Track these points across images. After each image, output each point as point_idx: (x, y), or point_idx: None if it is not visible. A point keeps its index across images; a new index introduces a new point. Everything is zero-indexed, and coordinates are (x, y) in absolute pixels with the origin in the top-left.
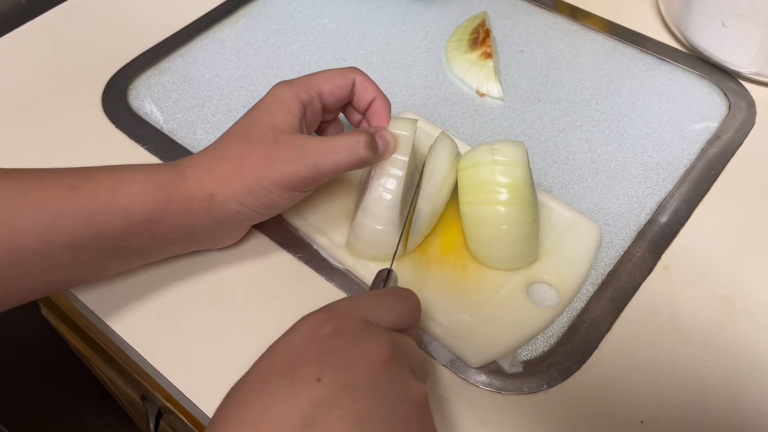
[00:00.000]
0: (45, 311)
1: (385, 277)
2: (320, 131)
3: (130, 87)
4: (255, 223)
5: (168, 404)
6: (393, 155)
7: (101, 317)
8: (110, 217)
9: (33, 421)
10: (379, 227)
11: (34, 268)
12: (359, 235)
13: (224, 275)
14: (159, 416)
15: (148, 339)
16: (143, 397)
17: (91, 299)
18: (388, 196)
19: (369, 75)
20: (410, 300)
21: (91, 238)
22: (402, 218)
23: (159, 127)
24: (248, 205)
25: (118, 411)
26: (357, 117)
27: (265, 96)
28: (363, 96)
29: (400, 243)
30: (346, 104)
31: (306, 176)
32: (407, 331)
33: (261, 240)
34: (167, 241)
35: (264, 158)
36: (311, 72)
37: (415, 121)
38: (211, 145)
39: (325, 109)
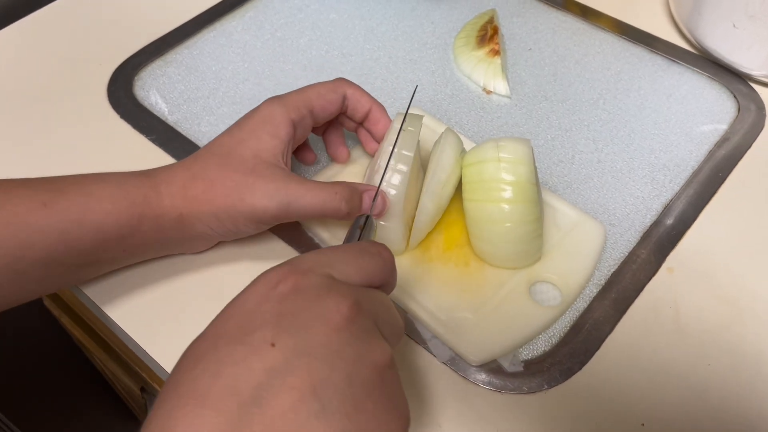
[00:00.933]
0: (47, 302)
1: (362, 224)
2: (320, 132)
3: (135, 78)
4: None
5: None
6: (398, 150)
7: (101, 306)
8: (82, 233)
9: (34, 412)
10: (382, 222)
11: (6, 282)
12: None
13: (225, 269)
14: None
15: (147, 330)
16: (143, 389)
17: (92, 289)
18: (392, 191)
19: (375, 71)
20: (381, 255)
21: (62, 254)
22: (405, 215)
23: (164, 119)
24: (214, 229)
25: (118, 403)
26: (352, 124)
27: (254, 112)
28: (357, 108)
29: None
30: (342, 115)
31: (275, 214)
32: (380, 289)
33: (264, 234)
34: (138, 252)
35: (237, 187)
36: (317, 67)
37: (421, 117)
38: (189, 159)
39: (316, 124)
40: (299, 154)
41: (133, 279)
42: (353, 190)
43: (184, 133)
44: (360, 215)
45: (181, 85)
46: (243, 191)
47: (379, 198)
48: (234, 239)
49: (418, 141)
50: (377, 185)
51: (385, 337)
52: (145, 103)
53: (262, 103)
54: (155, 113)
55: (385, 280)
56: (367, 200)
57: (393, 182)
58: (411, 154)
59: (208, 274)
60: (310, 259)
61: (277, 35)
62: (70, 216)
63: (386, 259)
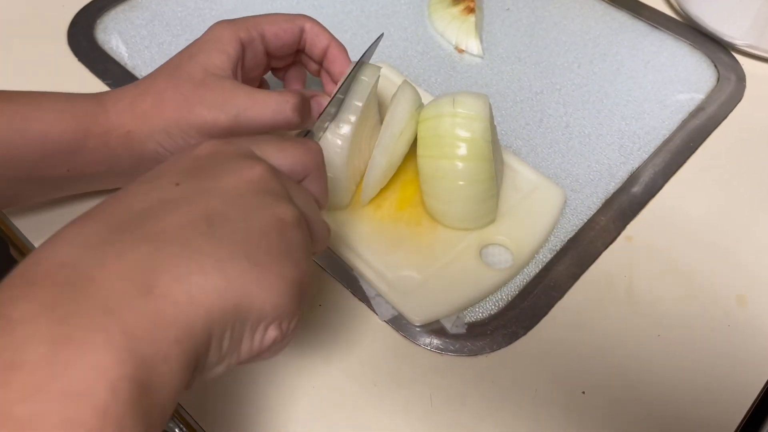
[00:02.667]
0: (14, 252)
1: (303, 136)
2: (281, 75)
3: (98, 21)
4: None
5: None
6: (348, 99)
7: (32, 242)
8: (24, 143)
9: None
10: (328, 174)
11: None
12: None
13: None
14: None
15: None
16: None
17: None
18: (338, 142)
19: (346, 24)
20: (307, 146)
21: (4, 165)
22: (351, 167)
23: (123, 64)
24: (166, 147)
25: None
26: (313, 66)
27: (203, 33)
28: (315, 44)
29: (322, 117)
30: (300, 53)
31: (225, 125)
32: (306, 180)
33: None
34: (85, 174)
35: (186, 99)
36: None
37: (378, 67)
38: (139, 80)
39: (270, 54)
40: None
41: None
42: (303, 98)
43: (141, 78)
44: (300, 131)
45: (143, 30)
46: (192, 103)
47: (323, 101)
48: None
49: (375, 93)
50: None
51: (309, 230)
52: (105, 47)
53: (213, 24)
54: (114, 58)
55: (308, 169)
56: (316, 107)
57: (339, 132)
58: (360, 104)
59: None
60: (241, 137)
61: None
62: (12, 125)
63: (311, 148)
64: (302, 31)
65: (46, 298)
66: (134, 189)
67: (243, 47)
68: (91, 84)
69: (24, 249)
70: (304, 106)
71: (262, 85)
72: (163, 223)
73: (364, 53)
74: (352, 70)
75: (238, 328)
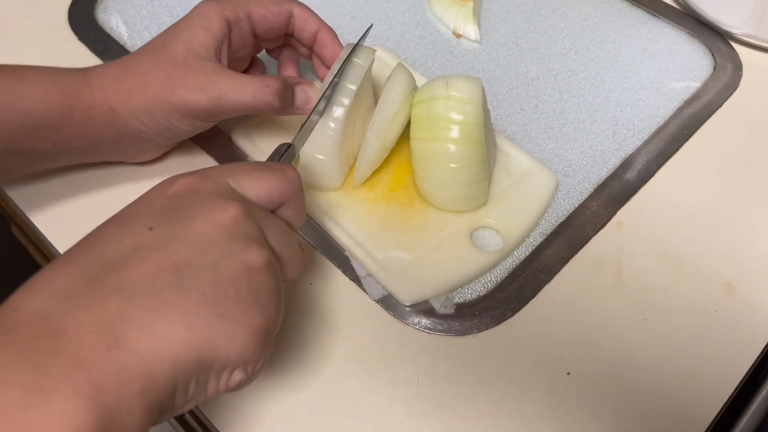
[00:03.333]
0: (15, 230)
1: (282, 152)
2: (275, 55)
3: (98, 1)
4: (168, 144)
5: None
6: (342, 82)
7: (24, 211)
8: (9, 118)
9: None
10: (320, 156)
11: None
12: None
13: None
14: None
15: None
16: None
17: (17, 191)
18: (332, 124)
19: (344, 7)
20: (284, 174)
21: None
22: (344, 149)
23: (122, 43)
24: (148, 125)
25: None
26: (304, 50)
27: (190, 11)
28: (305, 28)
29: (303, 130)
30: (289, 37)
31: (206, 107)
32: (282, 207)
33: (203, 158)
34: (71, 148)
35: (168, 79)
36: None
37: (373, 50)
38: (124, 57)
39: (258, 36)
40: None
41: (64, 185)
42: (285, 84)
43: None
44: (282, 144)
45: (144, 11)
46: (174, 83)
47: (311, 90)
48: (173, 143)
49: (369, 76)
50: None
51: (282, 264)
52: (105, 27)
53: (199, 2)
54: (114, 37)
55: (286, 197)
56: (300, 94)
57: (332, 115)
58: (354, 87)
59: (143, 186)
60: (212, 169)
61: None
62: (0, 99)
63: (289, 175)
64: (290, 15)
65: (21, 348)
66: (109, 232)
67: (229, 26)
68: (91, 63)
69: (24, 227)
70: (285, 92)
71: (255, 63)
72: (133, 273)
73: (354, 45)
74: (345, 53)
75: (204, 374)
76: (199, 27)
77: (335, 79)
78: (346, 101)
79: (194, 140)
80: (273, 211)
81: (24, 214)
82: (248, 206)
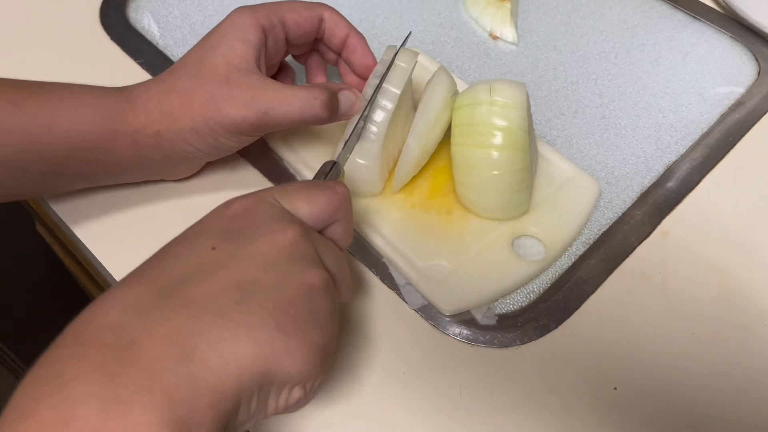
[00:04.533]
0: (40, 228)
1: (327, 170)
2: (302, 60)
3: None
4: (210, 160)
5: None
6: (385, 86)
7: (69, 225)
8: (50, 139)
9: (28, 339)
10: (361, 161)
11: None
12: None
13: (200, 199)
14: None
15: (115, 256)
16: None
17: (61, 206)
18: (374, 128)
19: (379, 7)
20: (334, 191)
21: (28, 158)
22: (385, 154)
23: (155, 43)
24: (195, 146)
25: None
26: (331, 56)
27: (223, 20)
28: (335, 33)
29: (347, 146)
30: (318, 42)
31: (254, 123)
32: (332, 225)
33: (244, 168)
34: (112, 171)
35: (213, 97)
36: None
37: (416, 53)
38: (163, 74)
39: (290, 43)
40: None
41: (107, 200)
42: (332, 94)
43: (173, 58)
44: (327, 162)
45: (176, 10)
46: (219, 101)
47: (351, 94)
48: (218, 159)
49: (410, 79)
50: (359, 120)
51: (336, 285)
52: (137, 26)
53: (232, 11)
54: (146, 37)
55: (338, 216)
56: (344, 101)
57: (375, 119)
58: (398, 92)
59: (185, 203)
60: (264, 190)
61: None
62: (39, 119)
63: (339, 192)
64: (321, 20)
65: (97, 359)
66: (174, 251)
67: (265, 34)
68: (124, 63)
69: (53, 227)
70: (332, 102)
71: (284, 69)
72: (200, 289)
73: (400, 47)
74: (387, 55)
75: (265, 390)
76: (236, 38)
77: (379, 83)
78: (389, 105)
79: None
80: (322, 230)
81: (68, 228)
82: (305, 228)
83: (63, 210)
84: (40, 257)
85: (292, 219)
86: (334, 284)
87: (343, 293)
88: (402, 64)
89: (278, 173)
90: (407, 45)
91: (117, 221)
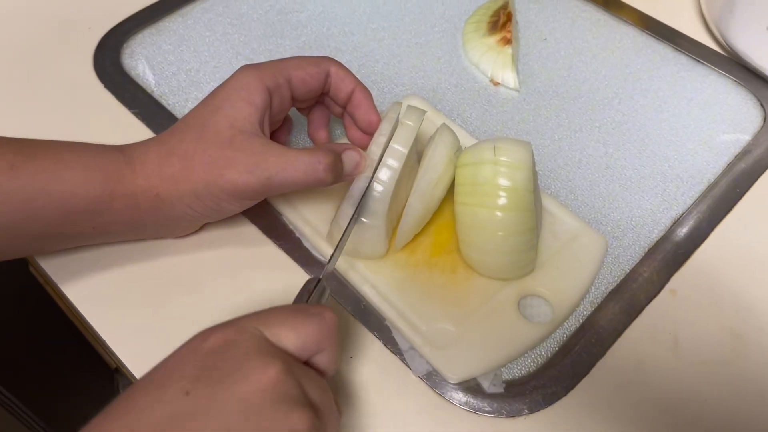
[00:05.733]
0: (33, 269)
1: (311, 288)
2: (305, 113)
3: (124, 45)
4: (209, 221)
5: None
6: (392, 144)
7: (58, 284)
8: (48, 203)
9: (22, 379)
10: (365, 220)
11: None
12: (342, 226)
13: (196, 257)
14: None
15: (105, 315)
16: (117, 371)
17: (51, 264)
18: (379, 188)
19: (378, 53)
20: (321, 319)
21: (25, 222)
22: (390, 213)
23: (150, 91)
24: (196, 209)
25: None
26: (337, 109)
27: (228, 79)
28: (341, 87)
29: (341, 245)
30: (323, 95)
31: (257, 189)
32: (318, 354)
33: (242, 224)
34: (109, 232)
35: (215, 162)
36: (316, 44)
37: (424, 111)
38: (164, 134)
39: (295, 99)
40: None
41: (98, 259)
42: (336, 157)
43: (169, 107)
44: (311, 279)
45: (171, 56)
46: (222, 167)
47: (356, 154)
48: (217, 220)
49: (416, 137)
50: (363, 179)
51: (322, 420)
52: (132, 73)
53: (237, 70)
54: (141, 85)
55: (323, 346)
56: (347, 161)
57: (381, 177)
58: (405, 151)
59: (176, 260)
60: (246, 318)
61: (277, 7)
62: (37, 183)
63: (327, 320)
64: (328, 75)
65: None
66: (143, 399)
67: (270, 95)
68: (117, 112)
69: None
70: (336, 165)
71: (285, 121)
72: None
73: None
74: (392, 112)
75: None
76: (240, 99)
77: (381, 137)
78: (396, 164)
79: None
80: (307, 360)
81: (57, 286)
82: (288, 363)
83: (51, 266)
84: (33, 297)
85: (275, 353)
86: (320, 419)
87: (331, 427)
88: (409, 122)
89: (277, 230)
90: (402, 88)
91: (107, 279)
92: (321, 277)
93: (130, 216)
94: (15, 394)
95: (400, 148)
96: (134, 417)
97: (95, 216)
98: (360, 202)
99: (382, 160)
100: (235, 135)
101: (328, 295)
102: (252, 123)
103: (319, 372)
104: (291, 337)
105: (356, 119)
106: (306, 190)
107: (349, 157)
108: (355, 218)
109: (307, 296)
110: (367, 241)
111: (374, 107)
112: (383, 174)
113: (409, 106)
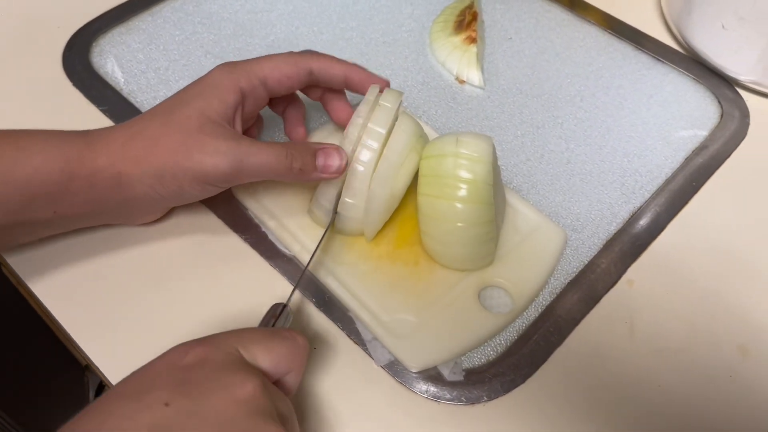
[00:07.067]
0: (5, 270)
1: (277, 313)
2: (280, 111)
3: (93, 44)
4: (172, 206)
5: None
6: (370, 125)
7: (23, 279)
8: (8, 189)
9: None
10: (348, 200)
11: None
12: (323, 205)
13: (161, 248)
14: (101, 389)
15: (71, 308)
16: (86, 368)
17: (16, 258)
18: (360, 168)
19: (346, 51)
20: (294, 343)
21: None
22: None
23: (118, 89)
24: (157, 191)
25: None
26: (316, 93)
27: (202, 77)
28: (330, 79)
29: (307, 266)
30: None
31: (226, 171)
32: (287, 375)
33: (207, 217)
34: (72, 215)
35: (183, 144)
36: (285, 43)
37: (401, 93)
38: (130, 121)
39: (272, 97)
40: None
41: (63, 248)
42: (306, 148)
43: (137, 105)
44: (276, 304)
45: (140, 55)
46: (191, 147)
47: (336, 155)
48: (180, 205)
49: (395, 119)
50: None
51: None
52: (101, 72)
53: (212, 69)
54: (110, 83)
55: (294, 368)
56: (320, 160)
57: (361, 159)
58: (383, 131)
59: (141, 252)
60: (222, 336)
61: (247, 7)
62: None
63: (299, 345)
64: (309, 73)
65: None
66: (121, 408)
67: (243, 96)
68: (86, 110)
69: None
70: (305, 155)
71: (257, 120)
72: None
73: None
74: (370, 95)
75: None
76: (212, 96)
77: (358, 120)
78: (374, 145)
79: None
80: (276, 380)
81: (23, 281)
82: (264, 381)
83: (18, 262)
84: (8, 300)
85: (252, 371)
86: None
87: None
88: (386, 104)
89: (243, 223)
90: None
91: (74, 270)
92: (287, 303)
93: (91, 196)
94: None
95: (378, 129)
96: (115, 423)
97: (56, 198)
98: (342, 184)
99: (362, 140)
100: (205, 123)
101: (291, 319)
102: (222, 117)
103: (285, 390)
104: (266, 357)
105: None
106: (269, 180)
107: (324, 155)
108: (330, 226)
109: (273, 320)
110: (350, 221)
111: (376, 76)
112: (363, 155)
113: (386, 89)
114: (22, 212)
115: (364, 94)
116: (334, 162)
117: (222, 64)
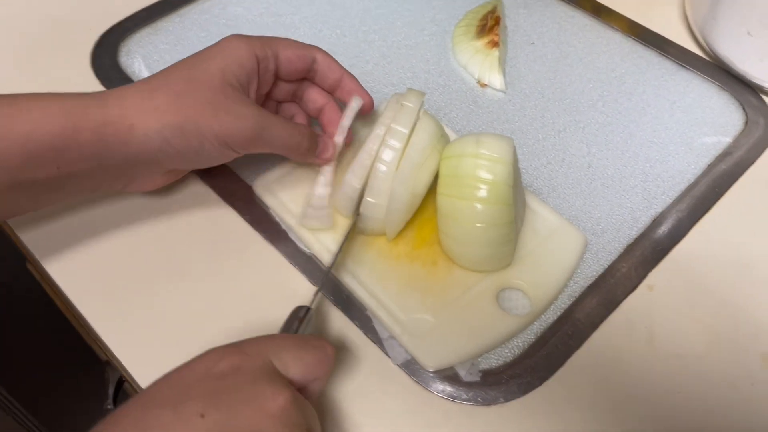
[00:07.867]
0: (30, 266)
1: (301, 316)
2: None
3: (122, 44)
4: (173, 171)
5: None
6: (393, 125)
7: (39, 259)
8: (8, 144)
9: (21, 376)
10: (370, 199)
11: None
12: (344, 205)
13: (182, 242)
14: (120, 384)
15: (84, 290)
16: (106, 363)
17: (30, 236)
18: (383, 168)
19: (368, 54)
20: (323, 351)
21: None
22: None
23: None
24: (174, 145)
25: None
26: (313, 106)
27: (217, 43)
28: (327, 75)
29: (329, 275)
30: (306, 84)
31: (248, 136)
32: (313, 382)
33: (227, 213)
34: (76, 172)
35: (210, 102)
36: None
37: (423, 93)
38: (147, 78)
39: (279, 77)
40: None
41: (72, 226)
42: (312, 132)
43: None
44: (299, 307)
45: (167, 55)
46: (217, 107)
47: (330, 145)
48: (187, 170)
49: (418, 119)
50: (365, 159)
51: None
52: (128, 71)
53: (223, 38)
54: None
55: (321, 375)
56: (320, 146)
57: (384, 158)
58: (406, 131)
59: (163, 246)
60: (256, 344)
61: (272, 10)
62: None
63: (328, 353)
64: (314, 61)
65: None
66: (159, 418)
67: (258, 63)
68: None
69: (35, 264)
70: (312, 137)
71: None
72: None
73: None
74: (394, 99)
75: None
76: (231, 57)
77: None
78: (397, 144)
79: (216, 191)
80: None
81: (36, 259)
82: (295, 394)
83: (30, 240)
84: (30, 295)
85: (284, 383)
86: None
87: None
88: (409, 104)
89: (264, 222)
90: (391, 87)
91: (83, 246)
92: (310, 306)
93: (96, 150)
94: (9, 392)
95: (401, 128)
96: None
97: (59, 153)
98: (365, 185)
99: (384, 140)
100: (226, 86)
101: (313, 321)
102: (240, 81)
103: (307, 396)
104: (297, 366)
105: (344, 100)
106: (285, 176)
107: (323, 141)
108: (352, 227)
109: (297, 324)
110: (372, 220)
111: (364, 90)
112: (386, 155)
113: (408, 89)
114: (25, 169)
115: (350, 99)
116: (329, 151)
117: (235, 34)
